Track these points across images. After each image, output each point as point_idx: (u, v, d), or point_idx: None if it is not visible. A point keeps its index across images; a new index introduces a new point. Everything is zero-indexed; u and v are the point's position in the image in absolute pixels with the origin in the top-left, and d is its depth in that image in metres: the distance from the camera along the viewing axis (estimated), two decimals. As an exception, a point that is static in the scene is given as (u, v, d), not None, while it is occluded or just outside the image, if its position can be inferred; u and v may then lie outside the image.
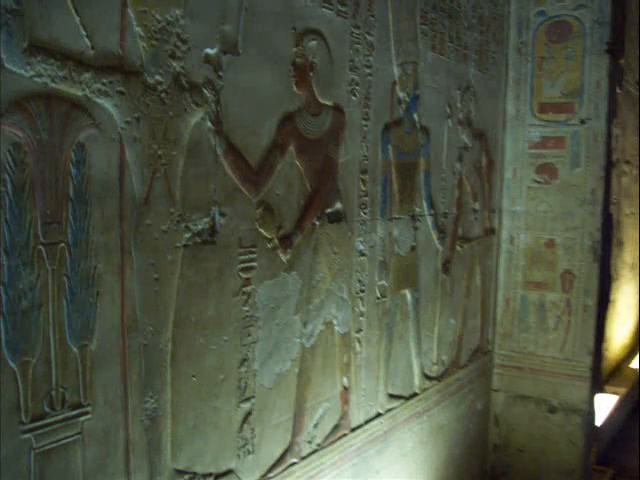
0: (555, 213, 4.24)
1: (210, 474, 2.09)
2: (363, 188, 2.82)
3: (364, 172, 2.82)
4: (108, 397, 1.72)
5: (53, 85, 1.53)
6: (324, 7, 2.48)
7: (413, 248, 3.30)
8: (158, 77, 1.80)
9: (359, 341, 2.88)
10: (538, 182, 4.28)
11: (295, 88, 2.37)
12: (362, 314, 2.89)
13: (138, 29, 1.73)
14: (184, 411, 1.98)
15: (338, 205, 2.66)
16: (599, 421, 4.75)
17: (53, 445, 1.59)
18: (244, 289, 2.18)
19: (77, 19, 1.56)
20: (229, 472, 2.17)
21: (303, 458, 2.55)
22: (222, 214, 2.06)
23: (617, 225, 5.80)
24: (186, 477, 2.00)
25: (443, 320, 3.68)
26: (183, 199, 1.91)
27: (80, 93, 1.59)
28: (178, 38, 1.85)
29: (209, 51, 1.97)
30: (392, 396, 3.20)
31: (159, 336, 1.86)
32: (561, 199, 4.21)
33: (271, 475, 2.38)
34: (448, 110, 3.55)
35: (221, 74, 2.01)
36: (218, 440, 2.12)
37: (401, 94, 3.07)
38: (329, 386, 2.69)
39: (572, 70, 4.13)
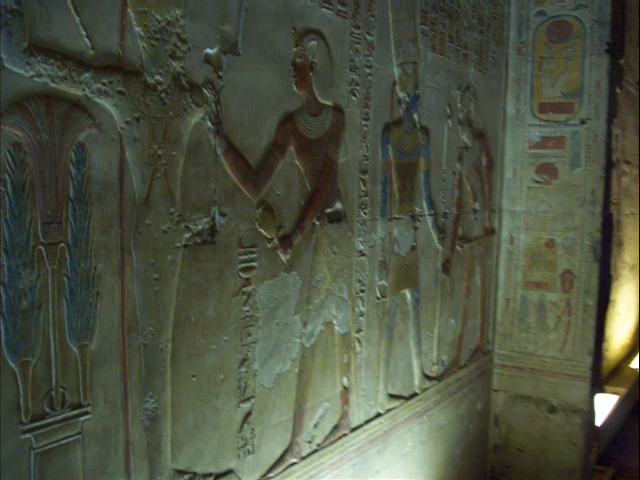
0: (555, 213, 4.24)
1: (210, 474, 2.09)
2: (363, 188, 2.82)
3: (364, 172, 2.82)
4: (108, 397, 1.72)
5: (53, 85, 1.53)
6: (324, 7, 2.48)
7: (413, 248, 3.30)
8: (158, 77, 1.80)
9: (359, 341, 2.88)
10: (538, 182, 4.28)
11: (295, 88, 2.37)
12: (362, 314, 2.89)
13: (138, 29, 1.73)
14: (184, 411, 1.98)
15: (338, 205, 2.66)
16: (599, 421, 4.75)
17: (53, 445, 1.59)
18: (244, 289, 2.18)
19: (77, 19, 1.57)
20: (229, 472, 2.17)
21: (303, 458, 2.55)
22: (222, 214, 2.06)
23: (617, 225, 5.80)
24: (186, 477, 2.00)
25: (443, 320, 3.68)
26: (183, 199, 1.91)
27: (80, 93, 1.59)
28: (178, 38, 1.85)
29: (209, 51, 1.97)
30: (392, 396, 3.21)
31: (159, 336, 1.87)
32: (561, 199, 4.21)
33: (271, 475, 2.38)
34: (448, 110, 3.55)
35: (221, 74, 2.01)
36: (218, 440, 2.12)
37: (401, 94, 3.07)
38: (329, 386, 2.69)
39: (572, 70, 4.13)
